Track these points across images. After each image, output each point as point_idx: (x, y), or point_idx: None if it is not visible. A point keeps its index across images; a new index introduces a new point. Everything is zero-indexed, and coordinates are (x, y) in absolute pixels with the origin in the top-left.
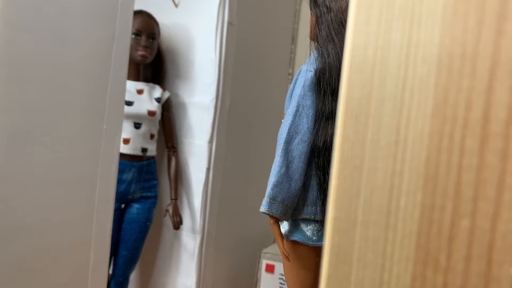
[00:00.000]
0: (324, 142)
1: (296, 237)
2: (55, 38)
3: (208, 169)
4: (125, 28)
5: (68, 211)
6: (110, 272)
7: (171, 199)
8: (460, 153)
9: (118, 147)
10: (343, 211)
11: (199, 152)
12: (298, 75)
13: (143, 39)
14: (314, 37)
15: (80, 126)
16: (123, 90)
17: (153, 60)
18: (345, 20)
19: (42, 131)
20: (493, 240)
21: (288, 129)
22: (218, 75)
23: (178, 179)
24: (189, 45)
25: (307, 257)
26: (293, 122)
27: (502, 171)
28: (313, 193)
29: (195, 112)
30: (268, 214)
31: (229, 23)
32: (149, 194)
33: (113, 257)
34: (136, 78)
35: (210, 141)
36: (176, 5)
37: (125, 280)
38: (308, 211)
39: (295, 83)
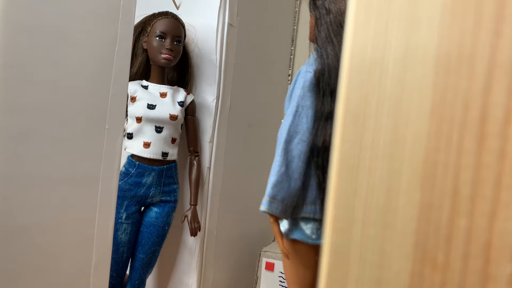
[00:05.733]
0: (323, 142)
1: (296, 235)
2: (57, 39)
3: (208, 168)
4: (127, 30)
5: (70, 210)
6: (127, 273)
7: (191, 205)
8: (457, 153)
9: (120, 147)
10: (342, 210)
11: (200, 151)
12: (298, 76)
13: (167, 42)
14: (314, 39)
15: (82, 126)
16: (124, 90)
17: (178, 63)
18: (344, 22)
19: (44, 131)
20: (491, 239)
21: (288, 129)
22: (218, 76)
23: (199, 184)
24: (190, 46)
25: (306, 255)
26: (292, 122)
27: (499, 170)
28: (312, 192)
29: (196, 113)
30: (268, 213)
31: (230, 25)
32: (168, 198)
33: (130, 260)
34: (160, 81)
35: (211, 141)
36: (177, 7)
37: (142, 283)
38: (308, 209)
39: (295, 83)
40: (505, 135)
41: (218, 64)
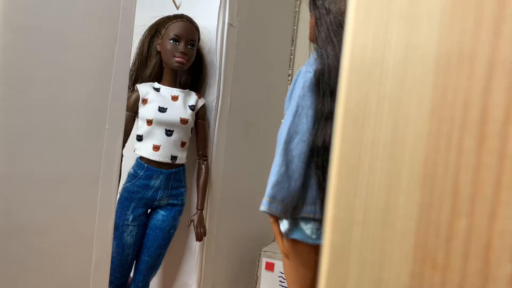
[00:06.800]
0: (323, 142)
1: (296, 235)
2: (57, 40)
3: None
4: (127, 29)
5: (70, 210)
6: (131, 275)
7: (197, 209)
8: (457, 153)
9: (120, 147)
10: (342, 210)
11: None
12: (298, 76)
13: (181, 45)
14: (314, 39)
15: (82, 126)
16: (125, 90)
17: (191, 66)
18: (344, 22)
19: (45, 131)
20: (491, 239)
21: (288, 129)
22: (218, 76)
23: (207, 189)
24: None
25: (306, 255)
26: (292, 122)
27: (499, 170)
28: (312, 192)
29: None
30: (268, 213)
31: (230, 25)
32: (175, 201)
33: (134, 262)
34: (172, 84)
35: (211, 141)
36: (177, 7)
37: (145, 286)
38: (308, 209)
39: (295, 83)
40: (505, 135)
41: (218, 64)
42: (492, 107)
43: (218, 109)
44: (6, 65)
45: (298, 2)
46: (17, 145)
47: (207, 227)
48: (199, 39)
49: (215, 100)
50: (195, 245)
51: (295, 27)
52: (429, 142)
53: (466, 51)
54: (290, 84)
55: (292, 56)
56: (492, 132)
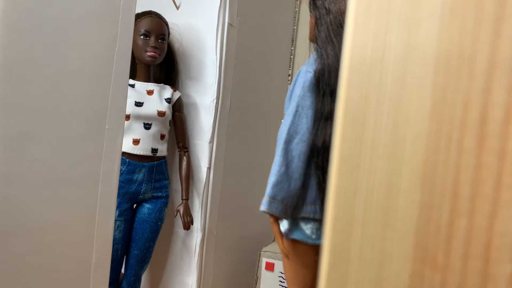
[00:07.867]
0: (323, 142)
1: (296, 235)
2: (58, 40)
3: (208, 168)
4: (127, 30)
5: (70, 210)
6: (122, 271)
7: (182, 199)
8: (457, 153)
9: (120, 147)
10: (342, 210)
11: (200, 152)
12: (298, 76)
13: (152, 40)
14: (314, 39)
15: (82, 126)
16: (125, 90)
17: (163, 61)
18: (344, 22)
19: (45, 131)
20: (491, 239)
21: (288, 129)
22: (218, 76)
23: (190, 179)
24: (189, 47)
25: (306, 255)
26: (292, 122)
27: (499, 170)
28: (312, 192)
29: (196, 113)
30: (268, 213)
31: (230, 25)
32: (160, 194)
33: (125, 257)
34: (146, 79)
35: (211, 141)
36: (177, 7)
37: (137, 280)
38: (308, 209)
39: (295, 83)
40: (505, 135)
41: (218, 64)
42: (492, 107)
43: (218, 109)
44: (6, 65)
45: (298, 2)
46: (17, 145)
47: (206, 227)
48: (169, 33)
49: (215, 100)
50: (195, 245)
51: (295, 27)
52: (429, 142)
53: (466, 51)
54: (290, 84)
55: (292, 56)
56: (492, 132)
